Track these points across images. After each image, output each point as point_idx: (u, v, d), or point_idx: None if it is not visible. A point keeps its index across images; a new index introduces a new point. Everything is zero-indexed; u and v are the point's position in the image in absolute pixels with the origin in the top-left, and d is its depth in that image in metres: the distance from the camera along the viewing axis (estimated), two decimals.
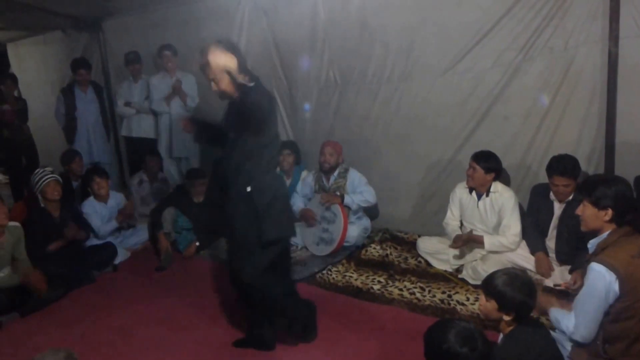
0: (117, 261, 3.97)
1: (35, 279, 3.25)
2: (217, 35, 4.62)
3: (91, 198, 4.12)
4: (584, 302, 1.99)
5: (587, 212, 2.11)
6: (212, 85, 2.42)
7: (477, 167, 3.27)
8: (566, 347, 2.10)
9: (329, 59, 4.24)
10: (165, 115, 4.86)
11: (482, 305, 1.99)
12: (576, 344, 2.08)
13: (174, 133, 4.86)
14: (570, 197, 3.04)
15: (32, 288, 3.23)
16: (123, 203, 4.29)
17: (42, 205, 3.67)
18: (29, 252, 3.38)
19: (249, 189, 2.46)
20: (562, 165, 2.97)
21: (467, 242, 3.28)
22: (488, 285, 1.96)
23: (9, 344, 2.91)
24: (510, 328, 1.94)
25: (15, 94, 5.68)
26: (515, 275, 1.94)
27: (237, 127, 2.42)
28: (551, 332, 2.10)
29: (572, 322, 2.04)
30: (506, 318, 1.91)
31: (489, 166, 3.24)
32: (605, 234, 2.08)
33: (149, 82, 4.89)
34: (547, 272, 3.06)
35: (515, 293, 1.87)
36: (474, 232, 3.34)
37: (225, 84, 2.40)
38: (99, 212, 4.10)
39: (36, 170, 3.75)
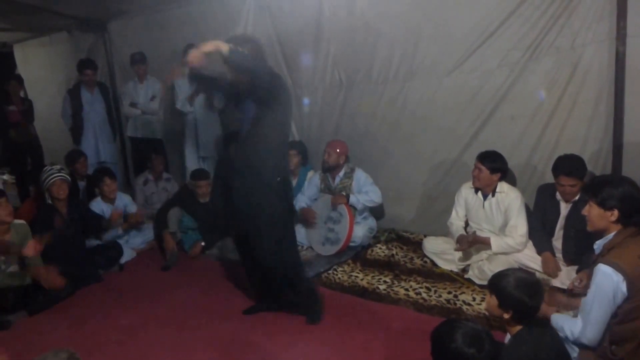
0: (123, 261, 3.99)
1: (44, 275, 3.24)
2: (222, 35, 4.71)
3: (98, 199, 4.14)
4: (592, 304, 1.98)
5: (593, 212, 2.10)
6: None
7: (483, 167, 3.26)
8: (574, 349, 2.09)
9: (334, 59, 4.24)
10: (191, 114, 4.86)
11: (487, 300, 2.01)
12: (582, 347, 2.06)
13: (200, 132, 4.87)
14: (577, 197, 3.03)
15: (44, 284, 3.23)
16: (130, 205, 4.31)
17: (49, 202, 3.69)
18: None
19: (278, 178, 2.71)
20: (568, 165, 2.96)
21: (473, 244, 3.28)
22: (492, 281, 1.98)
23: (17, 342, 2.92)
24: (517, 329, 1.94)
25: (21, 94, 5.71)
26: (521, 275, 1.93)
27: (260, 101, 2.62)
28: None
29: (577, 326, 2.02)
30: (505, 316, 1.91)
31: (494, 166, 3.23)
32: (611, 235, 2.07)
33: (174, 81, 4.86)
34: (553, 272, 3.05)
35: (514, 291, 1.86)
36: (480, 233, 3.33)
37: None
38: (105, 213, 4.11)
39: (45, 168, 3.76)
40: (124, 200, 4.29)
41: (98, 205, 4.11)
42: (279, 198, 2.74)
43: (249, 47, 2.60)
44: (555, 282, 3.01)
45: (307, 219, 3.99)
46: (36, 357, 1.72)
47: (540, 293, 1.91)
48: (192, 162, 4.95)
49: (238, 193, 2.77)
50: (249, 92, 2.63)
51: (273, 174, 2.71)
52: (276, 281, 2.90)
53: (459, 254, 3.40)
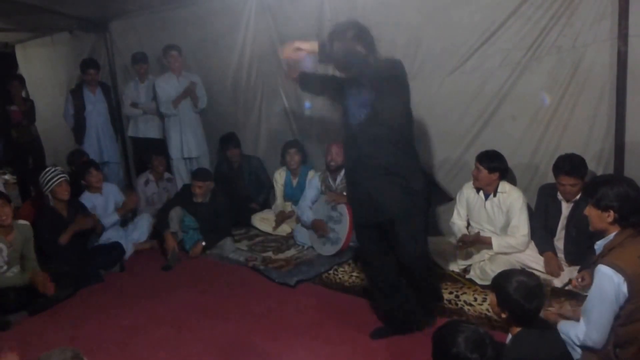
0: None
1: (41, 280, 3.24)
2: (223, 35, 4.72)
3: (86, 192, 4.16)
4: (594, 305, 1.97)
5: (591, 213, 2.09)
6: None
7: (481, 167, 3.25)
8: (577, 351, 2.07)
9: None
10: (175, 117, 4.86)
11: (489, 297, 2.02)
12: (587, 350, 2.04)
13: (184, 133, 4.87)
14: (578, 197, 3.01)
15: (39, 289, 3.23)
16: (116, 193, 4.38)
17: (52, 204, 3.68)
18: (38, 251, 3.40)
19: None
20: (568, 164, 2.95)
21: (474, 243, 3.27)
22: (495, 278, 1.99)
23: (18, 342, 2.92)
24: (518, 330, 1.93)
25: (23, 94, 5.73)
26: (523, 279, 1.92)
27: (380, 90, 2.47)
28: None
29: (581, 330, 2.00)
30: (503, 315, 1.91)
31: (492, 166, 3.22)
32: (611, 235, 2.05)
33: (154, 83, 4.90)
34: (556, 272, 3.04)
35: (513, 292, 1.86)
36: (482, 233, 3.32)
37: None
38: (96, 204, 4.15)
39: (46, 170, 3.75)
40: (109, 187, 4.35)
41: (87, 198, 4.12)
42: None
43: (351, 34, 2.53)
44: (557, 283, 2.99)
45: (318, 230, 3.95)
46: (42, 355, 1.72)
47: (539, 298, 1.90)
48: (179, 164, 4.97)
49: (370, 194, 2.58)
50: (356, 83, 2.52)
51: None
52: (417, 276, 2.73)
53: (460, 254, 3.39)
